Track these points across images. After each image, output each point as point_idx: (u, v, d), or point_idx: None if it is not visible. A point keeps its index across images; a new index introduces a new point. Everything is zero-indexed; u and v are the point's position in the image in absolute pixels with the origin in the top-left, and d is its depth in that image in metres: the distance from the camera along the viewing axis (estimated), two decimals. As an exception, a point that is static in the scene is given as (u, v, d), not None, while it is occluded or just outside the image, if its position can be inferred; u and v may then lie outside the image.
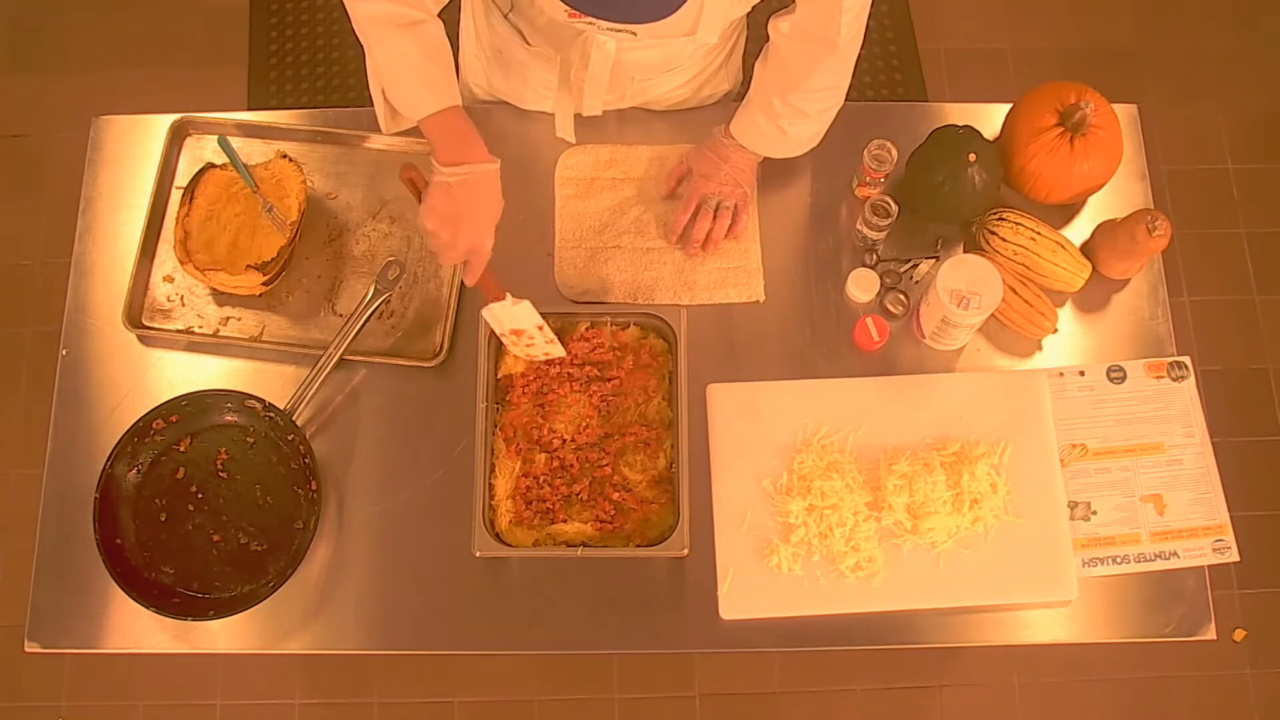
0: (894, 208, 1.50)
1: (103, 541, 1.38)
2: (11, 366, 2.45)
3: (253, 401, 1.44)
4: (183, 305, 1.55)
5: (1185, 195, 2.57)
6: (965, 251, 1.57)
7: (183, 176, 1.60)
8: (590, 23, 1.33)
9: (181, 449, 1.46)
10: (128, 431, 1.42)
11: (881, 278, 1.54)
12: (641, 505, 1.39)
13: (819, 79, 1.40)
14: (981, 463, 1.42)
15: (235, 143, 1.60)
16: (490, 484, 1.40)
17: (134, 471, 1.44)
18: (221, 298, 1.55)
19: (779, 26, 1.37)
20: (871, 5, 1.32)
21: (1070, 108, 1.50)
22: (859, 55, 1.40)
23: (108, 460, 1.41)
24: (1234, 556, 1.43)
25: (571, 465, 1.41)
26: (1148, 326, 1.55)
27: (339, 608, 1.42)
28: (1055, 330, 1.52)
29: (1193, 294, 2.50)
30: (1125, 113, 1.62)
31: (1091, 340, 1.55)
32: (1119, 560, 1.43)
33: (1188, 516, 1.45)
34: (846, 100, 1.47)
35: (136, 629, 1.42)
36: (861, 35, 1.36)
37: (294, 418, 1.43)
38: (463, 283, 1.45)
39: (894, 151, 1.52)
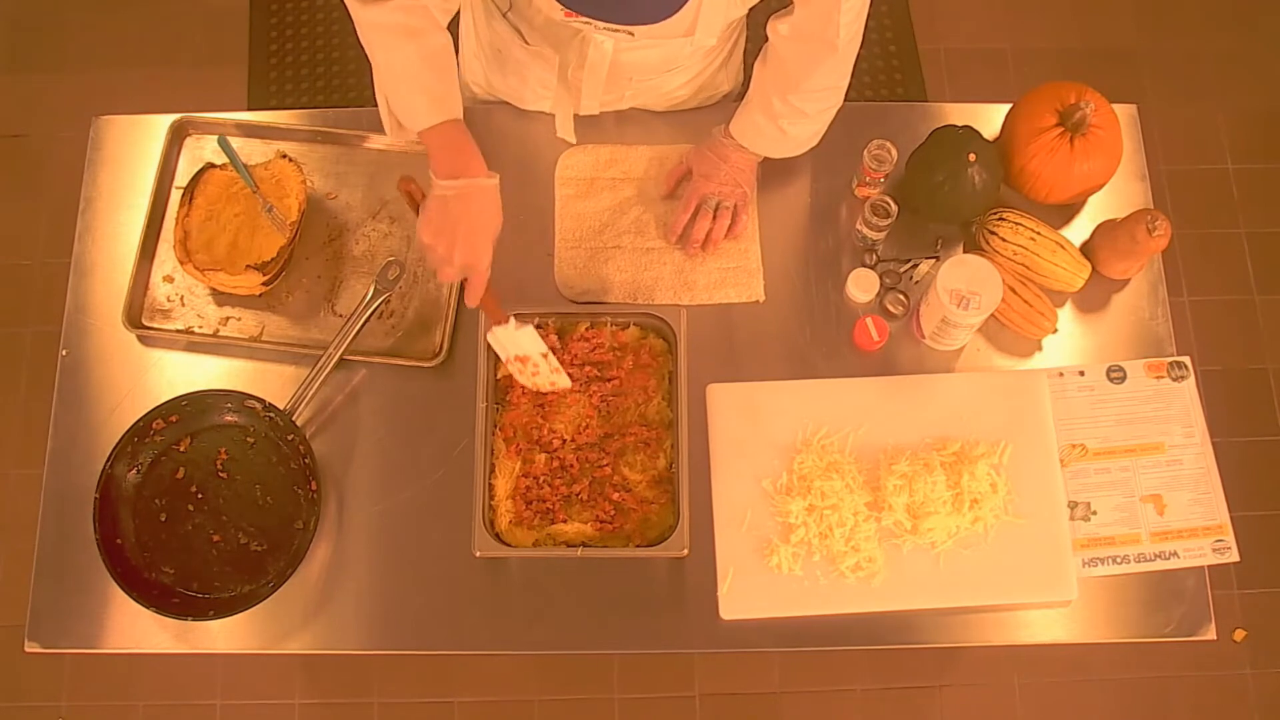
0: (894, 208, 1.50)
1: (103, 541, 1.38)
2: (11, 366, 2.45)
3: (253, 401, 1.44)
4: (183, 305, 1.55)
5: (1185, 195, 2.57)
6: (965, 251, 1.57)
7: (183, 176, 1.60)
8: (587, 22, 1.33)
9: (181, 449, 1.46)
10: (128, 431, 1.43)
11: (881, 278, 1.54)
12: (641, 505, 1.39)
13: (818, 79, 1.40)
14: (981, 463, 1.42)
15: (235, 143, 1.60)
16: (490, 484, 1.40)
17: (134, 471, 1.44)
18: (221, 298, 1.55)
19: (778, 28, 1.37)
20: (871, 5, 1.32)
21: (1070, 108, 1.50)
22: (858, 55, 1.40)
23: (108, 460, 1.41)
24: (1234, 557, 1.43)
25: (571, 465, 1.41)
26: (1148, 326, 1.55)
27: (339, 608, 1.42)
28: (1055, 330, 1.52)
29: (1193, 294, 2.50)
30: (1125, 113, 1.62)
31: (1091, 340, 1.55)
32: (1119, 560, 1.43)
33: (1188, 516, 1.45)
34: (846, 100, 1.47)
35: (136, 629, 1.42)
36: (860, 36, 1.36)
37: (294, 418, 1.43)
38: (463, 285, 1.45)
39: (894, 151, 1.52)
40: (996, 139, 1.59)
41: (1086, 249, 1.56)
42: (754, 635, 1.42)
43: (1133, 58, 2.74)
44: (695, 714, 2.22)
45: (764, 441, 1.46)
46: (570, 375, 1.43)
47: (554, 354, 1.41)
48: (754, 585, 1.40)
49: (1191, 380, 1.51)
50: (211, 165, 1.56)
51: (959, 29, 2.75)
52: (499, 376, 1.45)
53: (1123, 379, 1.51)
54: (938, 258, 1.57)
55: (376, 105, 1.40)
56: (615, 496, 1.39)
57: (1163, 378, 1.52)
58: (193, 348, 1.53)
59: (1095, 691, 2.24)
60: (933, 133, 1.54)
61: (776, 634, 1.42)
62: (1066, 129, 1.51)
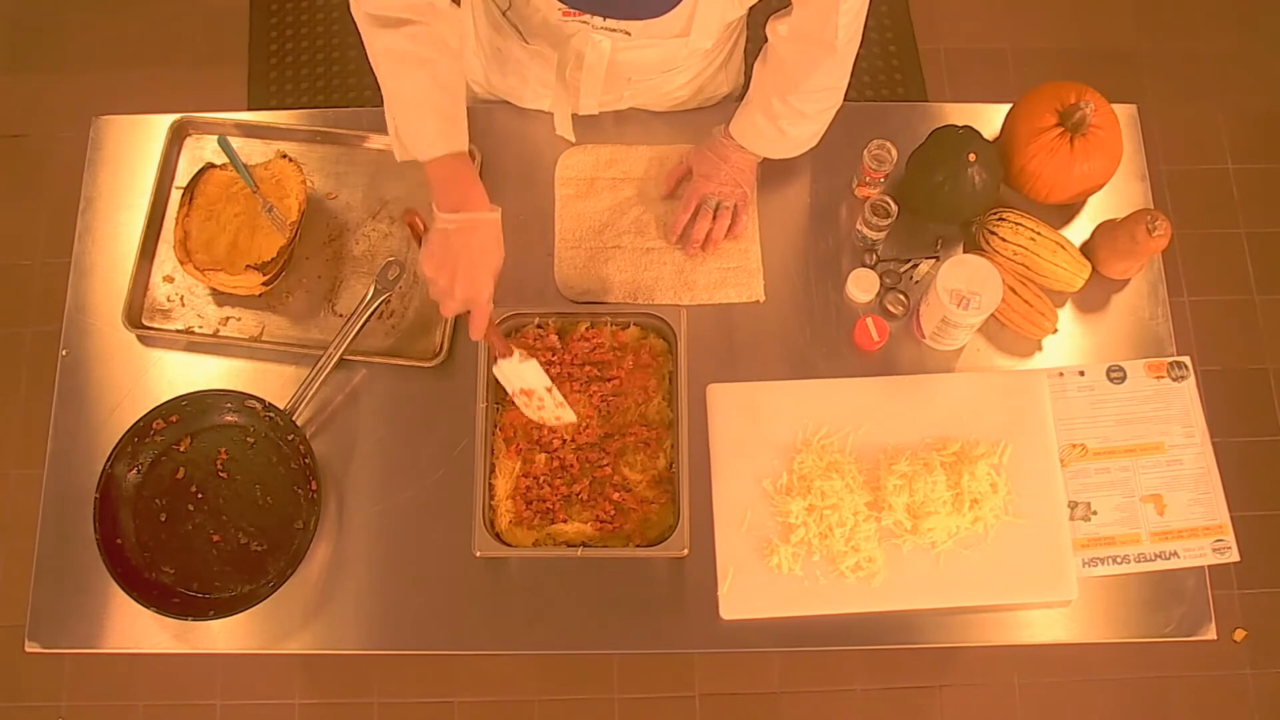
0: (894, 208, 1.50)
1: (103, 541, 1.38)
2: (11, 366, 2.45)
3: (253, 401, 1.44)
4: (183, 305, 1.55)
5: (1185, 195, 2.57)
6: (965, 251, 1.57)
7: (183, 176, 1.60)
8: (585, 22, 1.33)
9: (181, 449, 1.46)
10: (128, 431, 1.43)
11: (881, 278, 1.54)
12: (641, 505, 1.39)
13: (817, 80, 1.40)
14: (981, 463, 1.42)
15: (235, 143, 1.60)
16: (490, 484, 1.40)
17: (134, 471, 1.44)
18: (221, 298, 1.55)
19: (777, 29, 1.38)
20: (871, 5, 1.32)
21: (1070, 108, 1.50)
22: (858, 55, 1.40)
23: (108, 460, 1.41)
24: (1234, 556, 1.43)
25: (571, 465, 1.41)
26: (1148, 326, 1.55)
27: (339, 608, 1.42)
28: (1055, 330, 1.52)
29: (1193, 294, 2.50)
30: (1125, 113, 1.62)
31: (1091, 340, 1.55)
32: (1119, 560, 1.43)
33: (1188, 516, 1.45)
34: (846, 100, 1.47)
35: (136, 629, 1.42)
36: (859, 36, 1.36)
37: (294, 418, 1.43)
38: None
39: (894, 151, 1.52)
40: (996, 139, 1.59)
41: (1086, 249, 1.56)
42: (754, 635, 1.42)
43: (1133, 58, 2.74)
44: (695, 714, 2.22)
45: (764, 441, 1.46)
46: (570, 375, 1.43)
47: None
48: (754, 585, 1.40)
49: (1191, 380, 1.51)
50: (211, 165, 1.56)
51: (959, 29, 2.75)
52: (499, 376, 1.45)
53: (1123, 379, 1.51)
54: (938, 258, 1.57)
55: (375, 105, 1.40)
56: (615, 496, 1.39)
57: (1163, 378, 1.52)
58: (193, 348, 1.53)
59: (1095, 691, 2.24)
60: (933, 133, 1.54)
61: (776, 634, 1.42)
62: (1066, 129, 1.51)
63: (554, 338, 1.45)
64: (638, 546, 1.37)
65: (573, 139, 1.60)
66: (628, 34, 1.35)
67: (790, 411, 1.47)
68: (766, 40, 1.41)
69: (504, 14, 1.47)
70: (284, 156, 1.56)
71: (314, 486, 1.41)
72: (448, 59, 1.27)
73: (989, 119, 1.63)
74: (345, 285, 1.55)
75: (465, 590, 1.42)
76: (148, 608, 1.36)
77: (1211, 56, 2.74)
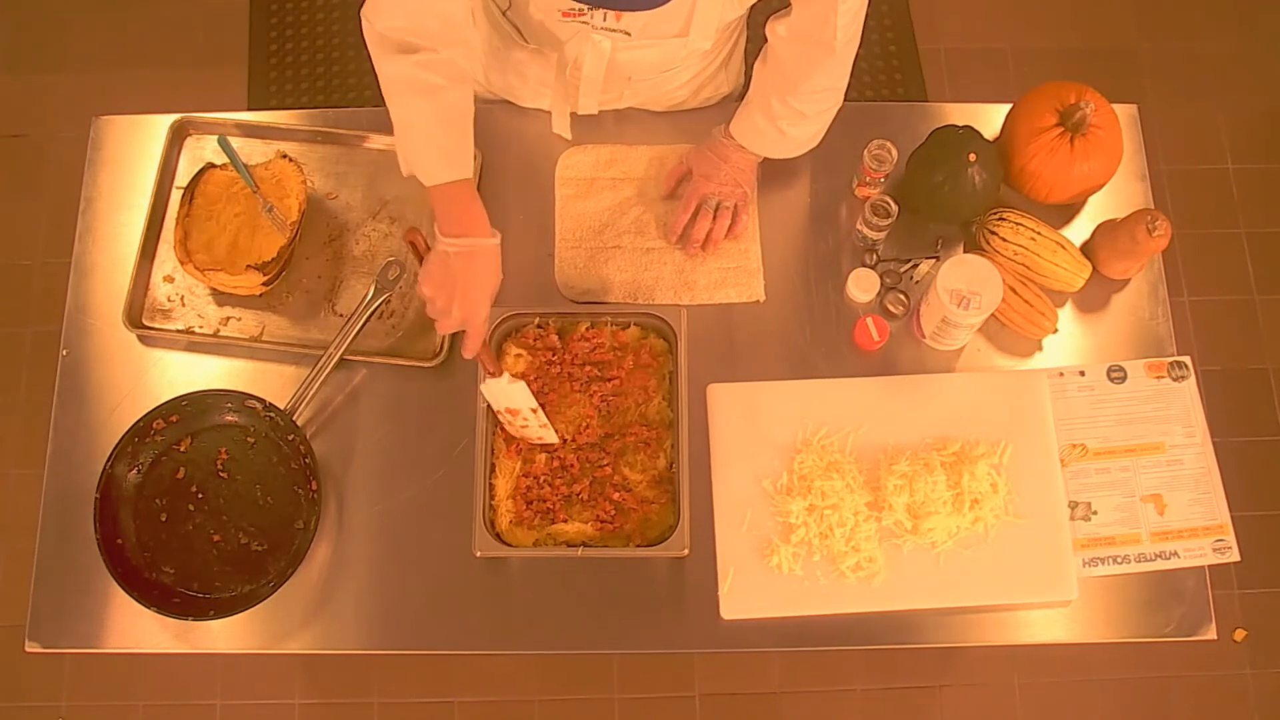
0: (894, 208, 1.50)
1: (103, 541, 1.38)
2: (11, 366, 2.45)
3: (253, 401, 1.44)
4: (183, 305, 1.55)
5: (1185, 195, 2.57)
6: (965, 251, 1.57)
7: (183, 176, 1.60)
8: (585, 23, 1.33)
9: (182, 449, 1.46)
10: (128, 431, 1.43)
11: (881, 278, 1.54)
12: (642, 505, 1.39)
13: (817, 80, 1.40)
14: (981, 463, 1.42)
15: (235, 143, 1.60)
16: (490, 484, 1.40)
17: (134, 471, 1.44)
18: (221, 298, 1.55)
19: (776, 29, 1.38)
20: (871, 5, 1.32)
21: (1070, 108, 1.50)
22: (858, 55, 1.40)
23: (108, 460, 1.41)
24: (1234, 556, 1.43)
25: (572, 465, 1.41)
26: (1148, 326, 1.55)
27: (339, 608, 1.42)
28: (1055, 330, 1.52)
29: (1193, 294, 2.50)
30: (1125, 113, 1.62)
31: (1091, 340, 1.55)
32: (1119, 560, 1.43)
33: (1188, 516, 1.45)
34: (846, 100, 1.47)
35: (137, 629, 1.42)
36: (858, 37, 1.36)
37: (294, 418, 1.43)
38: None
39: (894, 151, 1.52)
40: (996, 139, 1.59)
41: (1086, 249, 1.56)
42: (754, 635, 1.42)
43: (1133, 58, 2.74)
44: (695, 714, 2.22)
45: (764, 441, 1.46)
46: (570, 375, 1.43)
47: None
48: (754, 585, 1.40)
49: (1192, 380, 1.51)
50: (211, 165, 1.56)
51: (959, 29, 2.75)
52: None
53: (1123, 379, 1.51)
54: (938, 258, 1.57)
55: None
56: (615, 496, 1.39)
57: (1163, 378, 1.52)
58: (193, 348, 1.53)
59: (1095, 691, 2.24)
60: (933, 133, 1.54)
61: (776, 634, 1.42)
62: (1066, 129, 1.51)
63: (554, 338, 1.45)
64: (638, 546, 1.37)
65: (569, 137, 1.60)
66: (627, 34, 1.35)
67: (790, 411, 1.47)
68: (766, 40, 1.42)
69: (504, 14, 1.47)
70: (284, 156, 1.56)
71: (314, 486, 1.41)
72: (457, 86, 1.27)
73: (989, 119, 1.63)
74: (345, 285, 1.55)
75: (465, 590, 1.42)
76: (148, 608, 1.36)
77: (1211, 56, 2.74)
